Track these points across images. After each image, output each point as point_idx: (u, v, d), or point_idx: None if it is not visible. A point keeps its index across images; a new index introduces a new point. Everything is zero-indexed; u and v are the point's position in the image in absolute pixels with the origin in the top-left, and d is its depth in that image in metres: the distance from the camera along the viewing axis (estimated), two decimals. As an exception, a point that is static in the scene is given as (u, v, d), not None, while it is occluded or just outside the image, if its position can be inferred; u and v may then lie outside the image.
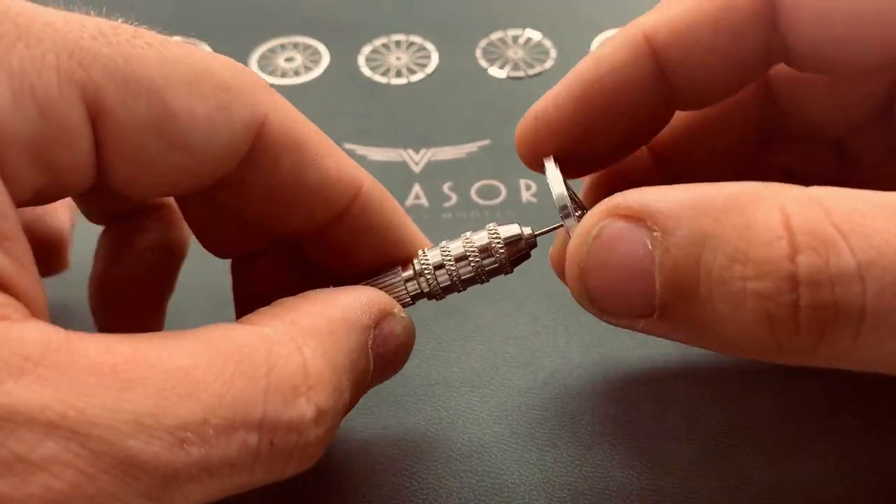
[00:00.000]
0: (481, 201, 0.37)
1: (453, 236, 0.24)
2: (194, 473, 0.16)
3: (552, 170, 0.23)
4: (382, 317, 0.21)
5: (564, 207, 0.22)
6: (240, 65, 0.21)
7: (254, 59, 0.45)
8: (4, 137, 0.16)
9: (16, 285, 0.16)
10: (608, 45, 0.23)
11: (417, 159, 0.39)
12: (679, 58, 0.22)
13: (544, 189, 0.37)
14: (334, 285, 0.23)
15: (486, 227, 0.24)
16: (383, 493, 0.26)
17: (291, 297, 0.21)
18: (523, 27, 0.46)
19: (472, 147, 0.40)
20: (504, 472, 0.27)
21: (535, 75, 0.43)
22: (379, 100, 0.42)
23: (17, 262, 0.16)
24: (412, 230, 0.25)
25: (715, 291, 0.17)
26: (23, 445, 0.14)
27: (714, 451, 0.27)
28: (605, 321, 0.20)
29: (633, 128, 0.24)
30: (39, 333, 0.16)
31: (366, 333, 0.21)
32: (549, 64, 0.44)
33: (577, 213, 0.22)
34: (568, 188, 0.23)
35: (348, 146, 0.40)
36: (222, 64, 0.20)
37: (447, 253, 0.24)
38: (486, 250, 0.24)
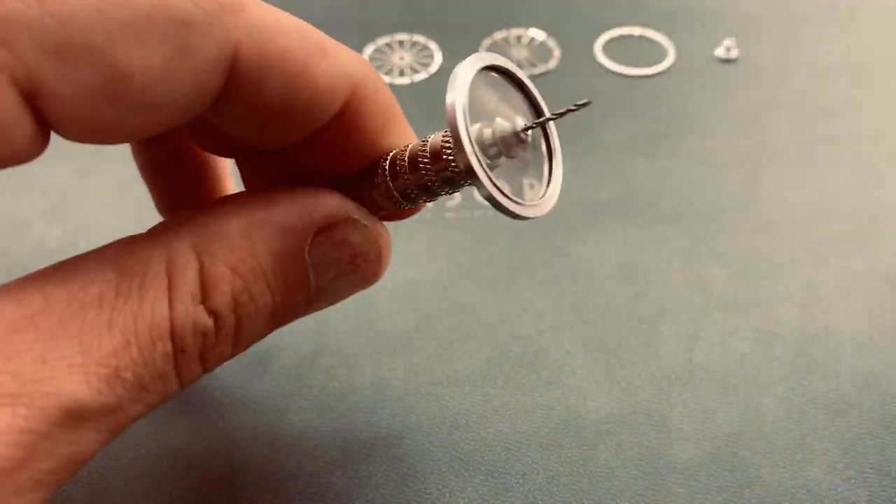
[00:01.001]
0: (485, 201, 0.37)
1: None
2: (134, 395, 0.17)
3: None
4: (331, 222, 0.20)
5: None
6: None
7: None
8: None
9: None
10: None
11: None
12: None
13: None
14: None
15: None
16: (386, 493, 0.26)
17: (223, 198, 0.20)
18: (527, 27, 0.46)
19: (475, 146, 0.39)
20: (508, 472, 0.27)
21: (539, 75, 0.43)
22: (382, 99, 0.42)
23: None
24: (405, 129, 0.22)
25: None
26: None
27: (720, 450, 0.27)
28: None
29: None
30: None
31: (298, 238, 0.20)
32: (552, 64, 0.44)
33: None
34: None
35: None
36: None
37: (402, 158, 0.20)
38: (437, 156, 0.19)
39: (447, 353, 0.30)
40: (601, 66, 0.44)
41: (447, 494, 0.26)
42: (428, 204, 0.22)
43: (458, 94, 0.18)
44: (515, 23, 0.47)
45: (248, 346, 0.20)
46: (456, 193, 0.21)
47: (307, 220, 0.20)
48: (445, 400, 0.29)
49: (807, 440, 0.27)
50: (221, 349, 0.19)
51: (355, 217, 0.21)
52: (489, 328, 0.31)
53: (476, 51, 0.45)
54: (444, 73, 0.44)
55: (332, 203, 0.20)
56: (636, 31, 0.46)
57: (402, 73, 0.44)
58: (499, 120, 0.19)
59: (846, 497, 0.26)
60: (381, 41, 0.46)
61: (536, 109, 0.21)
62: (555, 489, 0.26)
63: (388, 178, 0.20)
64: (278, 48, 0.18)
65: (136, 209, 0.36)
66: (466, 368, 0.30)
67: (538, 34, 0.46)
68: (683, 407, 0.28)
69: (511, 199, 0.19)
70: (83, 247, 0.34)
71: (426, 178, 0.20)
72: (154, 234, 0.19)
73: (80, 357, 0.16)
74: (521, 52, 0.45)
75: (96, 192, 0.37)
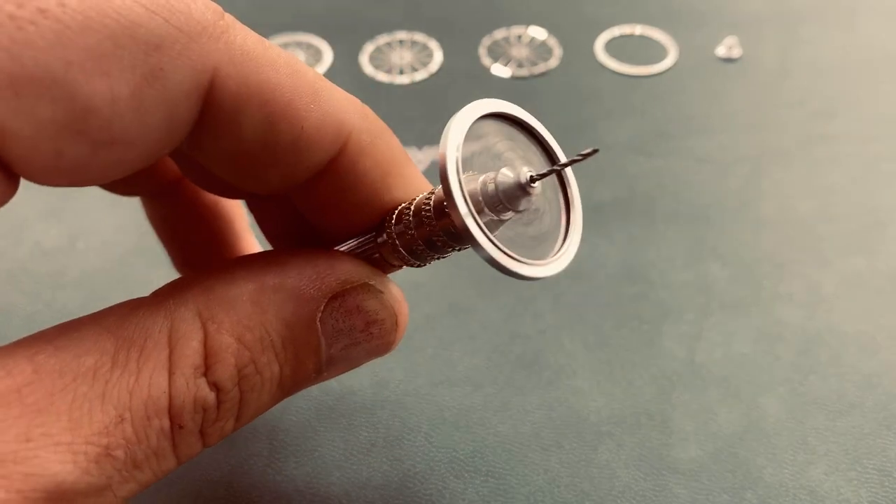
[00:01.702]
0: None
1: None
2: (125, 474, 0.16)
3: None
4: (344, 288, 0.19)
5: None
6: None
7: (256, 57, 0.45)
8: None
9: None
10: None
11: (421, 158, 0.39)
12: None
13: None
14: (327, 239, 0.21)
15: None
16: (386, 493, 0.26)
17: (233, 260, 0.19)
18: (527, 25, 0.46)
19: (475, 146, 0.39)
20: (508, 473, 0.26)
21: (540, 74, 0.43)
22: (382, 98, 0.42)
23: None
24: (412, 181, 0.20)
25: None
26: None
27: (722, 451, 0.27)
28: None
29: None
30: None
31: (310, 305, 0.18)
32: (553, 62, 0.44)
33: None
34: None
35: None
36: (147, 7, 0.15)
37: (408, 213, 0.19)
38: (440, 211, 0.18)
39: (447, 354, 0.30)
40: (602, 65, 0.44)
41: (447, 496, 0.26)
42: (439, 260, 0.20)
43: (449, 145, 0.16)
44: (516, 21, 0.47)
45: (253, 419, 0.19)
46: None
47: (320, 286, 0.19)
48: (445, 400, 0.29)
49: (809, 441, 0.27)
50: (223, 424, 0.18)
51: (371, 283, 0.20)
52: (489, 328, 0.31)
53: (476, 49, 0.45)
54: (444, 72, 0.44)
55: (346, 268, 0.19)
56: (637, 29, 0.46)
57: (402, 73, 0.44)
58: (504, 171, 0.17)
59: (848, 498, 0.26)
60: (381, 40, 0.46)
61: (550, 156, 0.19)
62: (556, 490, 0.26)
63: (395, 235, 0.19)
64: (261, 80, 0.17)
65: (134, 210, 0.36)
66: (466, 369, 0.30)
67: (539, 33, 0.46)
68: (685, 407, 0.28)
69: (514, 259, 0.17)
70: (82, 247, 0.34)
71: (432, 234, 0.18)
72: (158, 297, 0.18)
73: (68, 434, 0.15)
74: (522, 51, 0.45)
75: (94, 192, 0.37)
